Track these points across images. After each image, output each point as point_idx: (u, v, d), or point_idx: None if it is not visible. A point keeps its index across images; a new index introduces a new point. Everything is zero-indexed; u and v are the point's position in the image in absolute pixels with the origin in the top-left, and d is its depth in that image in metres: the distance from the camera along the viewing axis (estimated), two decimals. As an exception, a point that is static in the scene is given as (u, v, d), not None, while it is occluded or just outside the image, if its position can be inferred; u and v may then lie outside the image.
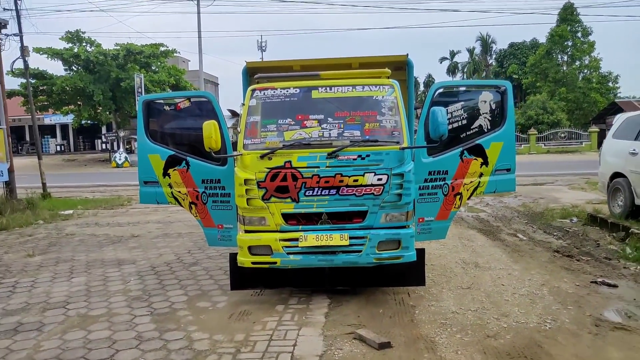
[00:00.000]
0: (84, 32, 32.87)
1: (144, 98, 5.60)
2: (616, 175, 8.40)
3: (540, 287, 5.25)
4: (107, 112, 34.43)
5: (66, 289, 5.70)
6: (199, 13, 27.42)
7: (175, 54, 36.52)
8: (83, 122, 35.57)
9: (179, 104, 5.48)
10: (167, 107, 5.63)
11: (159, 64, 35.19)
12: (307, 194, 4.61)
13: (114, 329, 4.40)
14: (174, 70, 35.76)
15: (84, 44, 33.00)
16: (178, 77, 35.45)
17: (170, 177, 5.37)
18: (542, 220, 9.11)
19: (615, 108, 31.92)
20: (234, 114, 26.38)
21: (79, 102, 33.98)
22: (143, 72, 32.39)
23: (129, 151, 34.44)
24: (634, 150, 7.90)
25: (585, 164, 19.37)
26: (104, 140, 42.35)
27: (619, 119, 8.88)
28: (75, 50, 32.22)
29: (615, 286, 5.23)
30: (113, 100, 33.17)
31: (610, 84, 41.85)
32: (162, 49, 34.73)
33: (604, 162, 8.93)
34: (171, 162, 5.35)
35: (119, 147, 34.52)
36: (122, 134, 34.98)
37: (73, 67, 33.52)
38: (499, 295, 5.03)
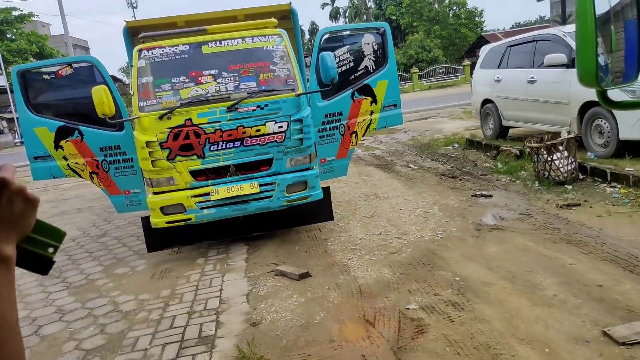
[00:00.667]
0: None
1: (18, 68, 5.18)
2: (486, 101, 9.44)
3: (432, 206, 5.95)
4: (-40, 90, 30.24)
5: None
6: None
7: (32, 18, 32.63)
8: None
9: (59, 72, 5.16)
10: (46, 76, 5.27)
11: (14, 30, 31.30)
12: (212, 148, 4.71)
13: (31, 308, 4.30)
14: (34, 36, 32.09)
15: None
16: (41, 43, 31.93)
17: (63, 149, 5.13)
18: (429, 150, 10.03)
19: (483, 41, 34.61)
20: (114, 79, 24.63)
21: None
22: (-3, 41, 28.71)
23: (-3, 132, 30.85)
24: (497, 77, 8.90)
25: (462, 96, 21.09)
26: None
27: (483, 51, 9.87)
28: None
29: (490, 196, 6.10)
30: (-35, 75, 29.15)
31: (476, 19, 45.15)
32: (15, 13, 30.84)
33: (475, 91, 9.96)
34: (62, 133, 5.10)
35: (-18, 129, 30.73)
36: (-17, 113, 31.09)
37: None
38: (398, 218, 5.64)
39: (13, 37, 31.12)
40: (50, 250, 0.67)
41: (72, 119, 5.15)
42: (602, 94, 1.07)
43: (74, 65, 5.30)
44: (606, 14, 1.19)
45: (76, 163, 5.19)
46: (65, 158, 5.17)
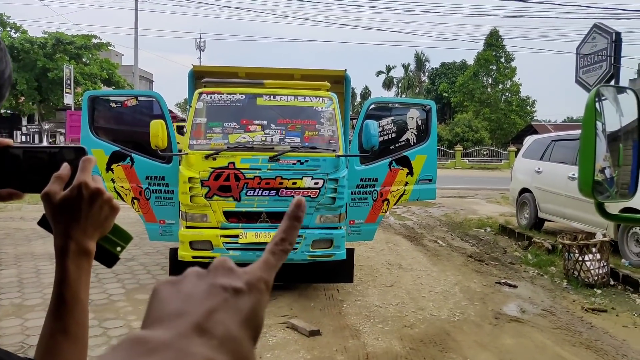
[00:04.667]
0: (8, 17, 31.01)
1: (90, 93, 5.67)
2: (524, 190, 9.41)
3: (453, 286, 5.89)
4: (31, 103, 32.50)
5: (-5, 281, 5.62)
6: (136, 10, 26.62)
7: (109, 47, 35.20)
8: (2, 111, 33.34)
9: (125, 102, 5.62)
10: (113, 104, 5.74)
11: (90, 56, 33.77)
12: (248, 194, 4.93)
13: (51, 319, 4.46)
14: (106, 63, 34.43)
15: (8, 29, 31.09)
16: (111, 71, 34.20)
17: (113, 172, 5.47)
18: (461, 229, 9.97)
19: (532, 130, 34.64)
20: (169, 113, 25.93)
21: (-1, 90, 31.85)
22: (73, 63, 30.97)
23: (53, 145, 32.70)
24: (539, 169, 8.92)
25: (503, 181, 20.90)
26: (24, 132, 39.61)
27: (528, 141, 9.96)
28: (-1, 34, 30.28)
29: (515, 286, 5.99)
30: (38, 90, 31.44)
31: (528, 108, 45.45)
32: (95, 40, 33.39)
33: (515, 178, 9.97)
34: (115, 158, 5.46)
35: (41, 141, 32.57)
36: (46, 126, 33.11)
37: (-6, 53, 31.42)
38: (418, 292, 5.61)
39: (87, 62, 33.54)
40: (119, 249, 0.80)
41: (126, 145, 5.52)
42: (599, 205, 1.19)
43: (140, 98, 5.76)
44: (617, 132, 1.34)
45: (122, 187, 5.50)
46: (113, 181, 5.50)
